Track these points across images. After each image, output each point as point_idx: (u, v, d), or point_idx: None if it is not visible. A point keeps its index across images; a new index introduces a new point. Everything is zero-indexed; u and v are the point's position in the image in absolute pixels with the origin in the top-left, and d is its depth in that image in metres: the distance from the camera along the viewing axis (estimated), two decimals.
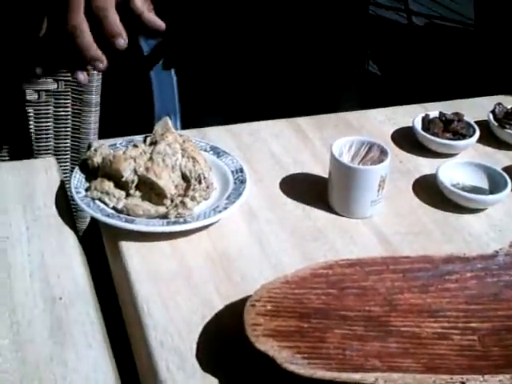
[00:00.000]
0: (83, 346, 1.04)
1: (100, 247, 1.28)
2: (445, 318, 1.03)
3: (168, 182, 1.23)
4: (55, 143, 1.83)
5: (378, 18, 4.56)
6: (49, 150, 1.83)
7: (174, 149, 1.26)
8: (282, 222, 1.28)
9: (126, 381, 1.03)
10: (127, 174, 1.23)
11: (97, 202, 1.24)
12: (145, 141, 1.34)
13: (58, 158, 1.43)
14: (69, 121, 1.82)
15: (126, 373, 1.05)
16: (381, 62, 4.03)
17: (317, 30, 1.88)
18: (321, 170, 1.41)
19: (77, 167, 1.31)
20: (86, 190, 1.26)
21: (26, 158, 1.77)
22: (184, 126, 1.73)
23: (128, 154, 1.26)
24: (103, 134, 1.79)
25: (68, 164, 1.85)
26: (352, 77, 2.11)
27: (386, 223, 1.29)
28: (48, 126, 1.81)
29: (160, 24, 1.24)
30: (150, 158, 1.26)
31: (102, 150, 1.30)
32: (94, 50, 1.21)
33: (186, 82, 1.79)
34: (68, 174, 1.78)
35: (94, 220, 1.58)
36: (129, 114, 1.88)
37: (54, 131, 1.82)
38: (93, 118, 1.82)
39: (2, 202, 1.29)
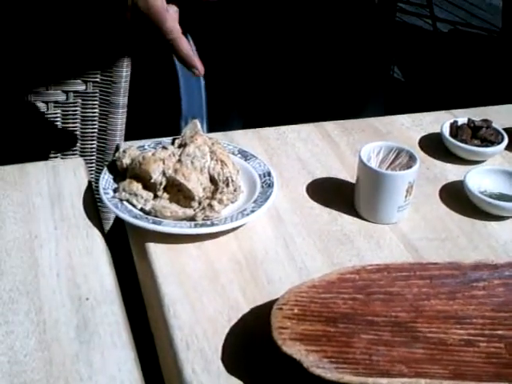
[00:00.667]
0: (109, 346, 1.05)
1: (124, 248, 1.29)
2: (471, 324, 1.03)
3: (196, 184, 1.23)
4: (81, 144, 1.85)
5: (403, 24, 4.56)
6: (75, 150, 1.85)
7: (203, 151, 1.27)
8: (309, 226, 1.28)
9: (150, 381, 1.03)
10: (156, 176, 1.24)
11: (125, 203, 1.25)
12: (173, 143, 1.34)
13: (83, 159, 1.43)
14: (96, 122, 1.83)
15: (150, 373, 1.05)
16: (405, 68, 4.02)
17: (344, 36, 1.88)
18: (347, 174, 1.41)
19: (105, 168, 1.32)
20: (114, 191, 1.27)
21: (52, 158, 1.79)
22: (210, 130, 1.73)
23: (157, 155, 1.26)
24: (129, 136, 1.80)
25: (94, 165, 1.86)
26: (377, 83, 2.11)
27: (412, 229, 1.29)
28: (75, 126, 1.83)
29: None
30: (179, 160, 1.26)
31: (130, 151, 1.30)
32: (192, 59, 1.27)
33: (213, 85, 1.80)
34: (93, 175, 1.79)
35: (117, 221, 1.59)
36: (155, 117, 1.89)
37: (81, 132, 1.83)
38: (119, 120, 1.83)
39: (31, 201, 1.30)
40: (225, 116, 1.88)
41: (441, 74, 3.92)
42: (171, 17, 1.25)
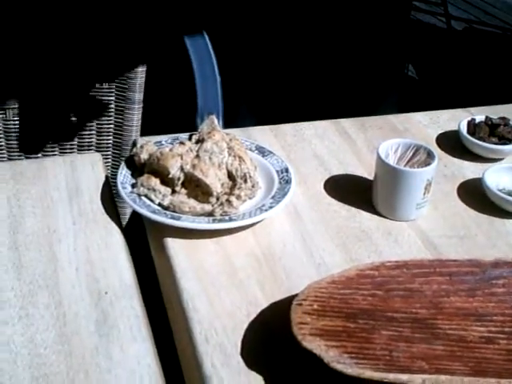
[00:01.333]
0: (128, 340, 1.05)
1: (141, 243, 1.29)
2: (491, 322, 1.03)
3: (214, 179, 1.23)
4: (98, 139, 1.85)
5: (418, 23, 4.54)
6: (91, 146, 1.85)
7: (221, 147, 1.27)
8: (327, 223, 1.28)
9: (168, 375, 1.03)
10: (174, 171, 1.24)
11: (143, 198, 1.25)
12: (190, 138, 1.34)
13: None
14: (112, 117, 1.83)
15: (169, 367, 1.06)
16: (420, 67, 4.01)
17: (360, 34, 1.88)
18: (365, 171, 1.41)
19: (123, 163, 1.32)
20: (132, 186, 1.27)
21: (68, 153, 1.80)
22: (225, 126, 1.73)
23: (175, 151, 1.26)
24: (145, 132, 1.81)
25: (110, 160, 1.86)
26: (392, 81, 2.10)
27: (430, 226, 1.29)
28: (91, 122, 1.83)
29: None
30: (197, 156, 1.26)
31: (148, 146, 1.31)
32: None
33: (229, 82, 1.80)
34: (110, 171, 1.79)
35: (134, 216, 1.60)
36: (171, 112, 1.89)
37: (97, 127, 1.84)
38: (135, 115, 1.83)
39: (49, 195, 1.31)
40: (240, 112, 1.88)
41: (455, 73, 3.90)
42: None
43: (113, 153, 1.87)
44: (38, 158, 1.78)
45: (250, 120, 1.68)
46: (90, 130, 1.84)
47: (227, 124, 1.66)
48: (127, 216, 1.81)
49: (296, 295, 1.03)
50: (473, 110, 1.63)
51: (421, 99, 3.49)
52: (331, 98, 1.93)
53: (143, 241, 1.30)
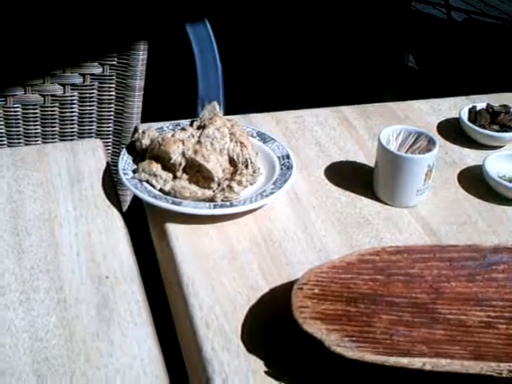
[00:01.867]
0: (129, 324, 1.05)
1: (141, 229, 1.29)
2: (491, 307, 1.03)
3: (216, 165, 1.23)
4: (98, 126, 1.85)
5: (418, 13, 4.54)
6: (92, 133, 1.85)
7: (223, 133, 1.27)
8: (327, 209, 1.28)
9: (169, 359, 1.04)
10: (175, 157, 1.24)
11: (144, 183, 1.25)
12: (191, 124, 1.34)
13: None
14: (112, 105, 1.83)
15: (169, 351, 1.06)
16: (420, 57, 4.01)
17: (360, 24, 1.88)
18: (365, 158, 1.41)
19: (124, 149, 1.32)
20: (134, 171, 1.27)
21: (68, 140, 1.80)
22: (226, 113, 1.73)
23: (176, 136, 1.26)
24: (146, 119, 1.81)
25: (110, 147, 1.87)
26: (392, 71, 2.11)
27: (430, 213, 1.29)
28: (92, 109, 1.83)
29: None
30: (199, 142, 1.26)
31: (149, 132, 1.31)
32: None
33: (230, 69, 1.80)
34: (110, 158, 1.79)
35: (135, 202, 1.60)
36: (171, 100, 1.89)
37: (98, 115, 1.84)
38: (136, 103, 1.83)
39: (50, 181, 1.31)
40: (241, 99, 1.88)
41: (455, 64, 3.90)
42: None
43: (113, 140, 1.87)
44: (37, 145, 1.78)
45: (251, 107, 1.68)
46: (91, 117, 1.83)
47: (228, 111, 1.67)
48: (127, 202, 1.81)
49: (297, 280, 1.03)
50: (474, 97, 1.63)
51: (421, 89, 3.49)
52: (332, 86, 1.93)
53: (144, 226, 1.30)
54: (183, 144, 1.25)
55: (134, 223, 1.28)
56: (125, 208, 1.78)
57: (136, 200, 1.26)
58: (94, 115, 1.84)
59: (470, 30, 4.44)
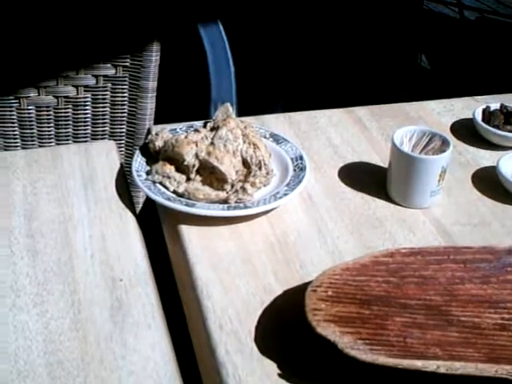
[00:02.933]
0: (142, 327, 1.05)
1: (155, 231, 1.29)
2: (505, 309, 1.02)
3: (229, 167, 1.23)
4: (111, 128, 1.85)
5: (430, 12, 4.53)
6: (105, 134, 1.85)
7: (236, 134, 1.27)
8: (341, 210, 1.28)
9: (183, 362, 1.04)
10: (189, 158, 1.24)
11: (157, 185, 1.25)
12: (205, 126, 1.34)
13: None
14: (125, 106, 1.83)
15: (183, 354, 1.06)
16: (432, 57, 4.00)
17: (373, 24, 1.88)
18: (379, 159, 1.41)
19: (137, 151, 1.33)
20: (147, 173, 1.27)
21: (82, 142, 1.80)
22: (239, 115, 1.74)
23: (190, 138, 1.27)
24: (159, 120, 1.81)
25: (123, 149, 1.87)
26: (405, 71, 2.10)
27: (444, 214, 1.29)
28: (105, 110, 1.83)
29: None
30: (212, 143, 1.26)
31: (163, 134, 1.31)
32: None
33: (243, 71, 1.80)
34: (123, 159, 1.80)
35: (147, 204, 1.60)
36: (184, 101, 1.89)
37: (111, 116, 1.84)
38: (149, 104, 1.83)
39: (64, 183, 1.31)
40: (254, 101, 1.88)
41: (468, 63, 3.89)
42: None
43: (126, 141, 1.87)
44: (51, 146, 1.79)
45: (264, 108, 1.68)
46: (104, 119, 1.84)
47: (241, 113, 1.67)
48: (140, 204, 1.81)
49: (310, 282, 1.03)
50: (488, 97, 1.63)
51: (434, 89, 3.48)
52: (345, 87, 1.93)
53: (157, 228, 1.30)
54: (196, 146, 1.25)
55: (146, 225, 1.28)
56: (137, 210, 1.78)
57: (149, 201, 1.26)
58: (107, 116, 1.84)
59: (482, 28, 4.43)
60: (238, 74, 1.82)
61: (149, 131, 1.41)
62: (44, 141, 1.81)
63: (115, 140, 1.83)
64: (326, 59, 1.88)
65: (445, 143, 1.28)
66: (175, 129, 1.37)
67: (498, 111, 1.49)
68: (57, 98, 1.78)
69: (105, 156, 1.39)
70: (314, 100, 1.78)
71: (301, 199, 1.29)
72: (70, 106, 1.80)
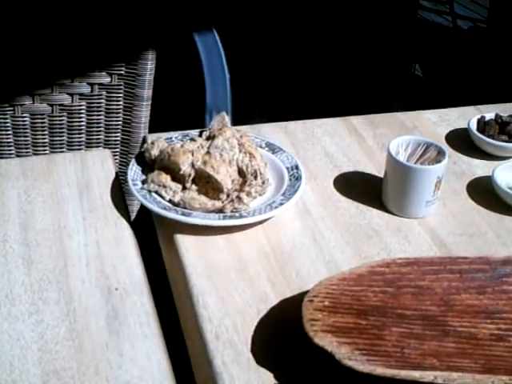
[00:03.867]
0: (138, 336, 1.05)
1: (149, 239, 1.29)
2: (501, 319, 1.03)
3: (225, 176, 1.23)
4: (106, 136, 1.85)
5: (423, 21, 4.54)
6: (99, 142, 1.85)
7: (232, 144, 1.27)
8: (336, 220, 1.28)
9: (179, 371, 1.03)
10: (185, 168, 1.24)
11: (153, 194, 1.25)
12: (200, 135, 1.34)
13: None
14: (120, 114, 1.83)
15: (179, 364, 1.06)
16: (426, 66, 4.01)
17: (367, 33, 1.88)
18: (374, 168, 1.41)
19: (133, 160, 1.32)
20: (143, 182, 1.27)
21: (76, 150, 1.80)
22: (234, 123, 1.74)
23: (186, 147, 1.27)
24: (153, 129, 1.81)
25: (118, 157, 1.87)
26: (399, 80, 2.11)
27: (440, 224, 1.29)
28: (99, 118, 1.83)
29: None
30: (208, 152, 1.26)
31: (159, 143, 1.31)
32: None
33: (238, 79, 1.80)
34: (118, 168, 1.80)
35: (142, 212, 1.60)
36: (180, 110, 1.89)
37: (106, 124, 1.84)
38: (144, 113, 1.83)
39: (59, 192, 1.31)
40: (249, 110, 1.88)
41: (461, 72, 3.90)
42: None
43: (121, 150, 1.87)
44: (46, 154, 1.78)
45: (259, 117, 1.69)
46: (99, 127, 1.84)
47: (236, 121, 1.67)
48: (134, 212, 1.81)
49: (307, 292, 1.03)
50: (482, 107, 1.63)
51: (428, 98, 3.49)
52: (340, 97, 1.93)
53: (151, 236, 1.30)
54: (192, 155, 1.25)
55: (141, 234, 1.28)
56: (132, 218, 1.78)
57: (143, 210, 1.26)
58: (101, 125, 1.84)
59: (475, 38, 4.44)
60: (233, 82, 1.82)
61: (144, 140, 1.41)
62: (38, 149, 1.81)
63: (110, 148, 1.83)
64: (321, 67, 1.88)
65: (440, 153, 1.28)
66: (171, 137, 1.37)
67: (492, 121, 1.49)
68: (51, 105, 1.78)
69: (100, 164, 1.39)
70: (309, 108, 1.78)
71: (296, 208, 1.29)
72: (65, 113, 1.80)
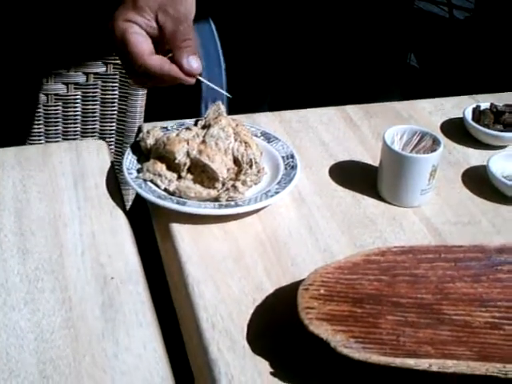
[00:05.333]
0: (134, 325, 1.05)
1: (144, 228, 1.29)
2: (496, 307, 1.03)
3: (221, 165, 1.23)
4: (101, 125, 1.85)
5: (419, 11, 4.53)
6: (95, 132, 1.85)
7: (227, 133, 1.27)
8: (332, 209, 1.28)
9: (174, 360, 1.04)
10: (180, 157, 1.24)
11: (148, 183, 1.25)
12: (196, 124, 1.34)
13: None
14: (115, 104, 1.83)
15: (174, 352, 1.06)
16: (421, 56, 4.01)
17: (363, 23, 1.88)
18: (369, 157, 1.41)
19: (129, 149, 1.33)
20: (138, 171, 1.27)
21: (71, 139, 1.80)
22: (230, 113, 1.73)
23: (181, 136, 1.27)
24: (149, 118, 1.81)
25: (113, 147, 1.86)
26: (394, 70, 2.10)
27: (435, 213, 1.29)
28: (95, 108, 1.83)
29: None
30: (203, 141, 1.26)
31: (154, 132, 1.31)
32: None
33: (234, 69, 1.80)
34: (113, 157, 1.79)
35: (137, 202, 1.59)
36: (175, 99, 1.89)
37: (101, 114, 1.84)
38: (139, 102, 1.83)
39: (55, 181, 1.31)
40: (245, 99, 1.88)
41: (457, 62, 3.90)
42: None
43: (116, 139, 1.86)
44: (41, 144, 1.78)
45: (258, 107, 1.68)
46: (94, 117, 1.83)
47: (234, 111, 1.66)
48: (129, 201, 1.81)
49: (302, 280, 1.03)
50: (478, 97, 1.63)
51: (423, 88, 3.49)
52: (335, 86, 1.93)
53: (147, 226, 1.30)
54: (188, 144, 1.25)
55: (136, 223, 1.28)
56: (127, 207, 1.78)
57: (138, 200, 1.26)
58: (97, 114, 1.84)
59: (471, 28, 4.44)
60: (229, 71, 1.81)
61: (140, 129, 1.41)
62: (33, 138, 1.81)
63: (105, 138, 1.82)
64: (317, 57, 1.88)
65: (435, 142, 1.28)
66: (166, 127, 1.37)
67: (488, 110, 1.49)
68: (47, 95, 1.78)
69: (95, 154, 1.38)
70: (304, 98, 1.78)
71: (292, 197, 1.29)
72: (60, 103, 1.80)
